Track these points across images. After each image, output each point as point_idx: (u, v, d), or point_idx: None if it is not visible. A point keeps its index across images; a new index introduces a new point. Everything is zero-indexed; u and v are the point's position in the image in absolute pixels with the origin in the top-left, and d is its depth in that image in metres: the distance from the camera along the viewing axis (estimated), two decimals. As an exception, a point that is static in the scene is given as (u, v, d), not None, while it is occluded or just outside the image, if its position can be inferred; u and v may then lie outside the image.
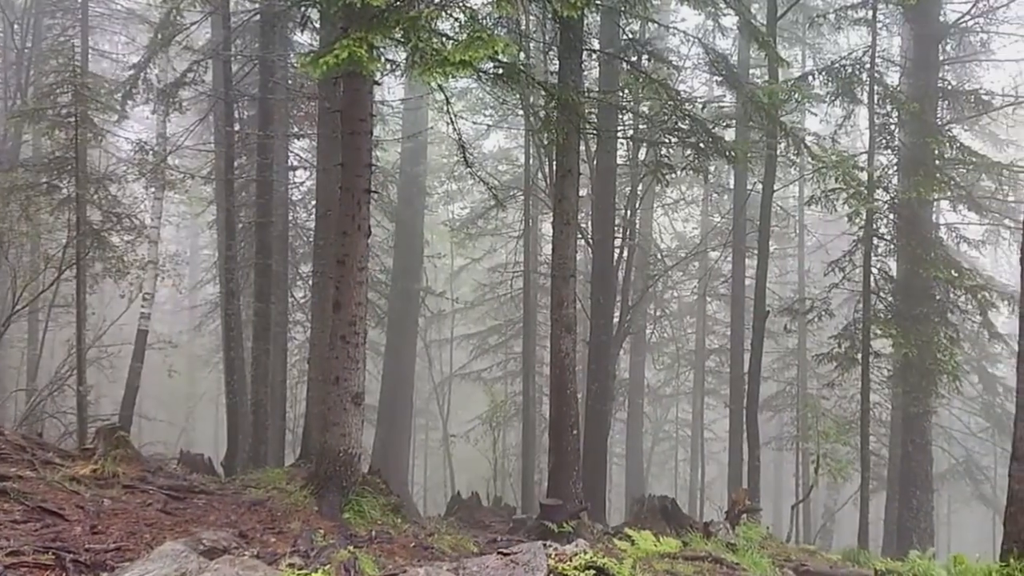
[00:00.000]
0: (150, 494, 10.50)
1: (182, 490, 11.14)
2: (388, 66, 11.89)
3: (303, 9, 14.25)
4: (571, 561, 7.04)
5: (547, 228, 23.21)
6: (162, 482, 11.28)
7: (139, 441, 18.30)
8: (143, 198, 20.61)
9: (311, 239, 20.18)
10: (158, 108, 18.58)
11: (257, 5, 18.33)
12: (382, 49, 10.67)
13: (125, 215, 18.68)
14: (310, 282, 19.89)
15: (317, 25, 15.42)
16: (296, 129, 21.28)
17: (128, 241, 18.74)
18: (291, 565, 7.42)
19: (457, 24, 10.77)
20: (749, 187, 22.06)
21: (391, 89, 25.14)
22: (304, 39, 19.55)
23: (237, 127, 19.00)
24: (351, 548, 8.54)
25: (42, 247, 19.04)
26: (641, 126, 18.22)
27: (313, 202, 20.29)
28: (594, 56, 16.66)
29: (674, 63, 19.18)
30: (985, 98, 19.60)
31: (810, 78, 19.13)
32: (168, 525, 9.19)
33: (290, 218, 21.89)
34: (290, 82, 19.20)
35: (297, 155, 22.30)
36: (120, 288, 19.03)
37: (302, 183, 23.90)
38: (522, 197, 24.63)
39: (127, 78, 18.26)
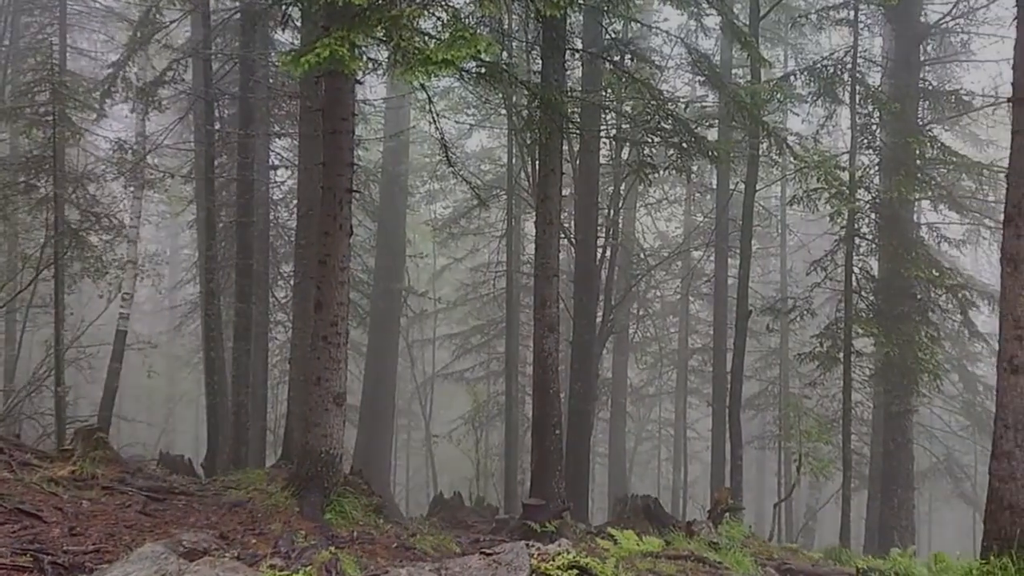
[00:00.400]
0: (129, 495, 10.40)
1: (162, 491, 11.06)
2: (370, 65, 11.84)
3: (284, 7, 14.17)
4: (554, 561, 7.01)
5: (530, 227, 23.14)
6: (141, 483, 11.19)
7: (118, 442, 18.20)
8: (122, 197, 20.45)
9: (292, 239, 20.06)
10: (137, 107, 18.43)
11: (238, 3, 18.22)
12: (364, 48, 10.60)
13: (104, 214, 18.57)
14: (291, 282, 19.77)
15: (298, 23, 15.34)
16: (277, 128, 21.15)
17: (107, 241, 18.62)
18: (272, 566, 7.36)
19: (440, 23, 10.72)
20: (732, 187, 22.10)
21: (373, 88, 25.06)
22: (285, 38, 19.48)
23: (217, 126, 18.87)
24: (332, 549, 8.48)
25: (20, 247, 18.88)
26: (624, 126, 18.20)
27: (294, 201, 20.18)
28: (577, 55, 16.62)
29: (657, 63, 19.22)
30: (966, 98, 19.73)
31: (792, 78, 19.19)
32: (147, 527, 9.11)
33: (271, 217, 21.75)
34: (271, 81, 19.07)
35: (278, 154, 22.17)
36: (99, 288, 18.87)
37: (283, 182, 23.76)
38: (505, 196, 24.58)
39: (106, 76, 18.11)
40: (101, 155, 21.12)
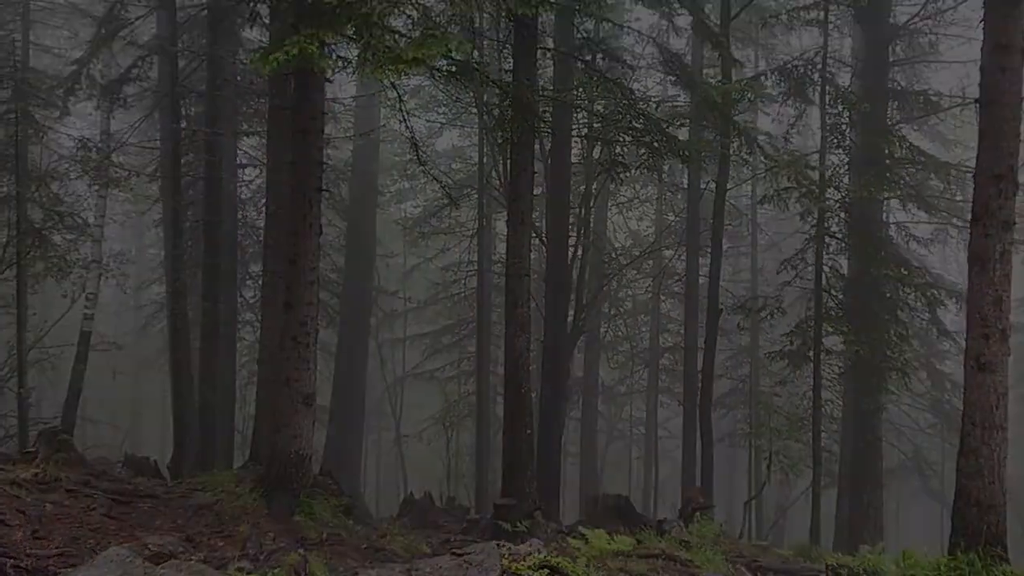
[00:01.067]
0: (94, 498, 10.26)
1: (127, 494, 10.92)
2: (340, 63, 11.72)
3: (252, 4, 14.02)
4: (525, 560, 6.98)
5: (501, 227, 23.10)
6: (106, 486, 11.04)
7: (82, 444, 17.96)
8: (86, 196, 20.25)
9: (261, 238, 19.89)
10: (102, 104, 18.24)
11: (205, -1, 18.04)
12: (334, 46, 10.52)
13: (67, 213, 18.38)
14: (260, 281, 19.61)
15: (267, 21, 15.19)
16: (245, 126, 20.94)
17: (71, 240, 18.42)
18: (240, 569, 7.28)
19: (410, 21, 10.68)
20: (703, 186, 22.12)
21: (343, 86, 24.82)
22: (253, 35, 19.27)
23: (184, 124, 18.68)
24: (301, 551, 8.39)
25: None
26: (595, 125, 18.17)
27: (263, 200, 19.99)
28: (548, 54, 16.61)
29: (628, 62, 19.21)
30: (934, 99, 19.89)
31: (763, 78, 19.29)
32: (112, 530, 9.00)
33: (239, 217, 21.55)
34: (239, 78, 18.90)
35: (246, 153, 21.97)
36: (62, 288, 18.64)
37: (251, 181, 23.57)
38: (476, 195, 24.51)
39: (70, 73, 17.86)
40: (65, 153, 20.81)
